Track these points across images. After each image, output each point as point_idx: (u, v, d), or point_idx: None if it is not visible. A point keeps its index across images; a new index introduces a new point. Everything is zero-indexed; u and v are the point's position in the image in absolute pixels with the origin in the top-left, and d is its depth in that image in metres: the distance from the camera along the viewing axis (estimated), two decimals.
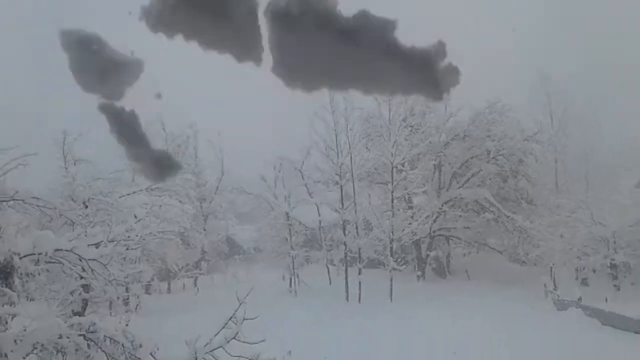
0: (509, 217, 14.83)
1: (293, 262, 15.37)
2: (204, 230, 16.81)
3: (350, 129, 14.32)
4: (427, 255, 16.22)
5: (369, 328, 10.47)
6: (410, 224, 14.85)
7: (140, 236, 15.19)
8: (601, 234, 12.65)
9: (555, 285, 13.38)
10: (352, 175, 14.37)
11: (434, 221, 15.82)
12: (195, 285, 16.63)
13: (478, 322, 10.22)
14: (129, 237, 14.01)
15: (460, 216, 15.52)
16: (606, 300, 11.28)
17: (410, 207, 16.17)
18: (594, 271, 13.33)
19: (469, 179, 15.43)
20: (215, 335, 4.70)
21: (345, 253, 14.48)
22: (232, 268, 17.63)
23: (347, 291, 13.81)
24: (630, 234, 12.32)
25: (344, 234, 14.58)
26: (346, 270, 14.27)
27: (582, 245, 12.88)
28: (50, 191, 11.48)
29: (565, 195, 14.05)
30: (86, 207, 12.34)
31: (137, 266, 15.04)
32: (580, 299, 11.79)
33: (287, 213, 15.50)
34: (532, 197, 15.20)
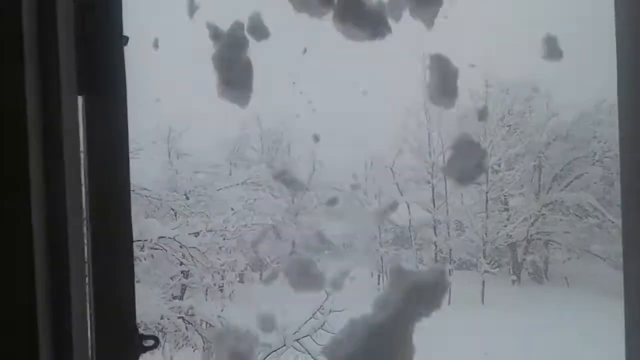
0: (614, 223, 13.91)
1: (382, 260, 15.42)
2: (295, 224, 17.29)
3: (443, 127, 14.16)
4: (524, 260, 15.60)
5: (456, 331, 10.29)
6: (505, 226, 14.39)
7: (236, 227, 15.96)
8: None
9: None
10: (445, 175, 14.18)
11: (532, 224, 15.17)
12: (287, 276, 17.15)
13: (573, 336, 9.70)
14: (225, 227, 14.80)
15: (560, 220, 14.78)
16: None
17: (507, 209, 15.62)
18: None
19: (571, 181, 14.65)
20: (304, 324, 4.88)
21: (435, 253, 14.33)
22: (323, 263, 18.00)
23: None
24: None
25: (435, 234, 14.43)
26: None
27: None
28: (155, 183, 12.35)
29: None
30: (187, 198, 13.12)
31: (233, 255, 15.80)
32: None
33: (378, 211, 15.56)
34: None
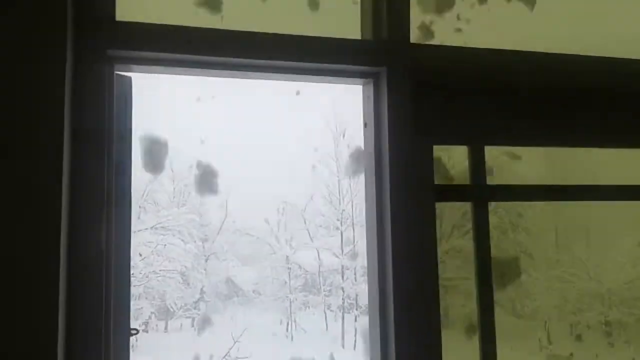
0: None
1: (291, 306, 15.52)
2: (205, 270, 17.07)
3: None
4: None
5: None
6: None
7: (144, 274, 15.53)
8: (596, 290, 12.57)
9: (549, 339, 13.27)
10: (353, 222, 14.62)
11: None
12: (192, 325, 16.82)
13: None
14: (132, 274, 14.46)
15: (458, 267, 15.54)
16: (597, 356, 11.16)
17: None
18: (589, 327, 13.19)
19: (468, 230, 15.48)
20: None
21: (342, 299, 14.63)
22: (231, 310, 17.80)
23: (343, 337, 13.93)
24: (625, 292, 12.21)
25: (342, 279, 14.76)
26: (343, 316, 14.39)
27: (577, 300, 12.81)
28: None
29: (564, 251, 14.04)
30: None
31: (138, 303, 15.29)
32: (571, 354, 11.68)
33: (287, 256, 15.74)
34: (531, 251, 15.19)
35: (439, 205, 1.49)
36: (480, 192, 1.51)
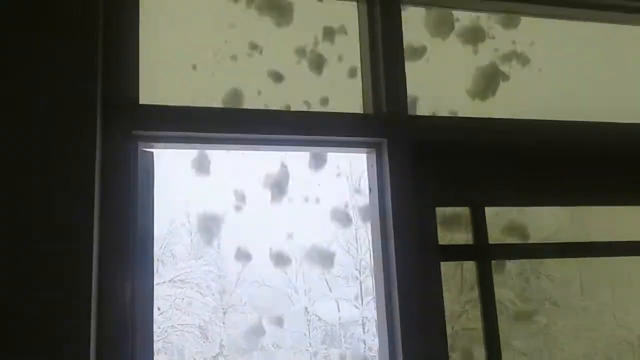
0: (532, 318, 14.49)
1: (312, 359, 15.26)
2: (223, 323, 16.95)
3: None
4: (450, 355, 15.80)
5: None
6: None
7: (162, 328, 15.46)
8: (626, 338, 12.19)
9: None
10: (372, 271, 14.54)
11: (457, 319, 15.54)
12: None
13: None
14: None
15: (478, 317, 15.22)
16: None
17: None
18: None
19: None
20: None
21: (364, 351, 14.36)
22: None
23: None
24: None
25: (363, 331, 14.53)
26: None
27: (606, 349, 12.41)
28: None
29: (590, 298, 13.73)
30: None
31: (157, 358, 15.18)
32: None
33: (306, 308, 15.59)
34: (555, 298, 14.88)
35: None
36: (482, 251, 1.59)
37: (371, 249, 1.58)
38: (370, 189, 1.58)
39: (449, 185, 1.61)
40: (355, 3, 1.65)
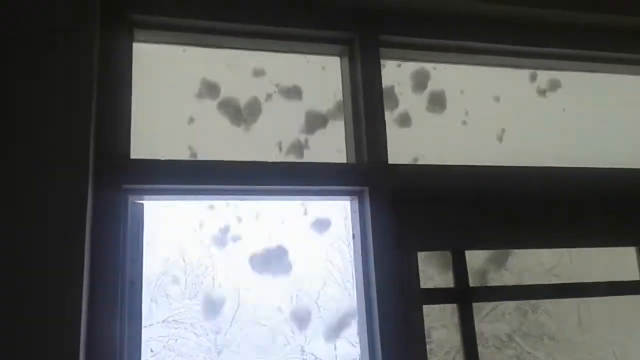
0: (530, 353, 14.36)
1: None
2: None
3: None
4: None
5: None
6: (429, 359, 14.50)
7: None
8: None
9: None
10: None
11: (454, 357, 15.37)
12: None
13: None
14: None
15: (480, 352, 15.08)
16: None
17: (430, 342, 15.82)
18: None
19: (488, 312, 15.21)
20: None
21: None
22: None
23: None
24: None
25: None
26: None
27: None
28: None
29: (587, 332, 13.64)
30: None
31: None
32: None
33: (302, 347, 15.38)
34: (553, 333, 14.78)
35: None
36: (463, 295, 1.63)
37: (355, 293, 1.62)
38: (353, 235, 1.64)
39: (430, 230, 1.67)
40: (337, 58, 1.74)
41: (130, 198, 1.46)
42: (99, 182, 1.39)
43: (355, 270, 1.62)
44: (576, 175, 1.72)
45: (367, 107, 1.63)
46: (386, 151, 1.61)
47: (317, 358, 15.93)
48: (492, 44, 1.78)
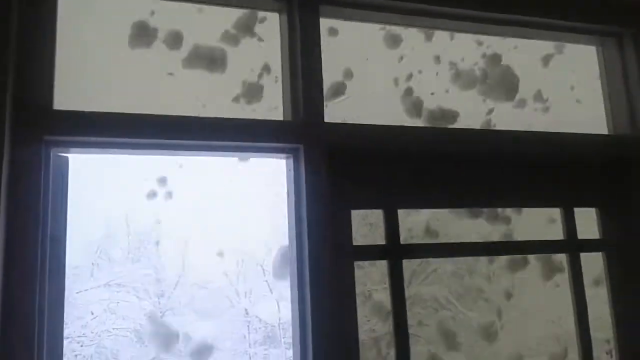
0: (465, 314, 15.05)
1: None
2: (161, 326, 16.61)
3: None
4: (387, 353, 16.16)
5: None
6: (369, 320, 14.96)
7: (96, 333, 15.01)
8: (556, 332, 12.86)
9: None
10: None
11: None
12: None
13: None
14: (83, 333, 13.94)
15: (419, 313, 15.69)
16: None
17: (370, 304, 16.30)
18: None
19: (427, 276, 15.76)
20: None
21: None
22: None
23: None
24: (582, 334, 12.52)
25: None
26: None
27: (538, 344, 13.04)
28: None
29: (522, 294, 14.39)
30: None
31: None
32: None
33: (246, 309, 15.50)
34: (488, 295, 15.51)
35: None
36: (394, 251, 1.67)
37: (290, 250, 1.63)
38: (288, 194, 1.63)
39: (364, 189, 1.69)
40: (276, 14, 1.70)
41: (53, 150, 1.39)
42: (18, 133, 1.32)
43: (289, 229, 1.62)
44: (506, 138, 1.77)
45: (304, 65, 1.61)
46: (322, 109, 1.61)
47: (261, 320, 16.13)
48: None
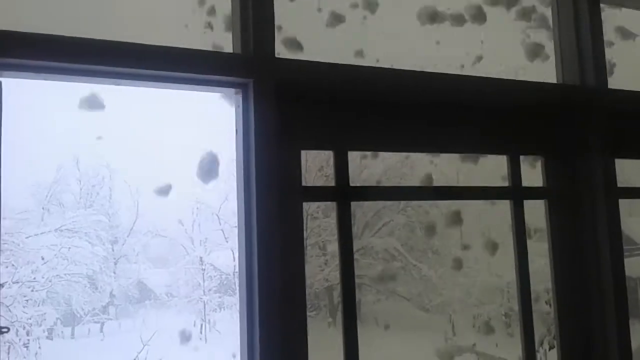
0: (415, 265, 15.52)
1: (205, 308, 15.36)
2: (114, 273, 16.49)
3: None
4: (339, 302, 16.59)
5: None
6: (322, 270, 15.24)
7: (47, 278, 14.81)
8: (497, 284, 13.47)
9: (454, 331, 14.04)
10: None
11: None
12: (101, 331, 16.22)
13: None
14: (34, 278, 13.75)
15: (371, 264, 16.08)
16: (497, 345, 12.01)
17: (324, 254, 16.58)
18: (490, 319, 14.09)
19: (380, 228, 16.08)
20: None
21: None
22: (143, 313, 17.33)
23: None
24: (522, 283, 13.16)
25: None
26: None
27: (480, 294, 13.65)
28: None
29: (468, 248, 14.91)
30: None
31: (41, 309, 14.54)
32: (474, 344, 12.46)
33: (201, 258, 15.55)
34: (437, 247, 16.01)
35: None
36: (343, 193, 1.67)
37: (237, 192, 1.60)
38: (236, 130, 1.59)
39: (314, 129, 1.66)
40: None
41: None
42: None
43: (237, 168, 1.59)
44: (455, 82, 1.76)
45: None
46: (273, 43, 1.55)
47: (215, 268, 16.22)
48: None
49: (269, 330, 1.44)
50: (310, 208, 14.87)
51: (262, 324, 1.44)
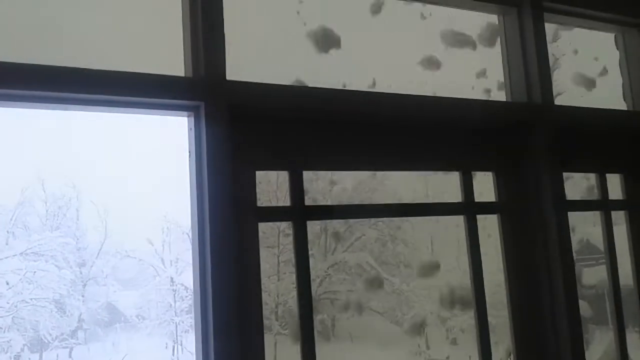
0: (387, 279, 15.62)
1: (177, 329, 15.12)
2: (82, 296, 16.14)
3: None
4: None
5: None
6: (295, 288, 15.21)
7: (12, 303, 14.45)
8: (469, 296, 13.61)
9: (427, 344, 14.11)
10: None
11: (320, 284, 16.26)
12: (70, 356, 15.81)
13: None
14: None
15: (344, 279, 16.12)
16: (470, 358, 12.08)
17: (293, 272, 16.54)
18: (462, 331, 14.22)
19: (352, 243, 16.15)
20: None
21: None
22: (113, 337, 16.95)
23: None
24: (493, 296, 13.32)
25: None
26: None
27: (452, 306, 13.76)
28: None
29: (439, 259, 15.08)
30: None
31: (7, 335, 14.13)
32: (448, 357, 12.52)
33: (172, 278, 15.34)
34: (409, 260, 16.15)
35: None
36: (298, 213, 1.68)
37: (191, 212, 1.60)
38: (189, 153, 1.60)
39: (268, 149, 1.68)
40: None
41: None
42: None
43: (191, 190, 1.59)
44: (405, 101, 1.80)
45: (205, 18, 1.56)
46: (224, 66, 1.57)
47: (187, 288, 16.01)
48: None
49: (224, 349, 1.43)
50: (281, 225, 14.85)
51: (217, 340, 1.44)
